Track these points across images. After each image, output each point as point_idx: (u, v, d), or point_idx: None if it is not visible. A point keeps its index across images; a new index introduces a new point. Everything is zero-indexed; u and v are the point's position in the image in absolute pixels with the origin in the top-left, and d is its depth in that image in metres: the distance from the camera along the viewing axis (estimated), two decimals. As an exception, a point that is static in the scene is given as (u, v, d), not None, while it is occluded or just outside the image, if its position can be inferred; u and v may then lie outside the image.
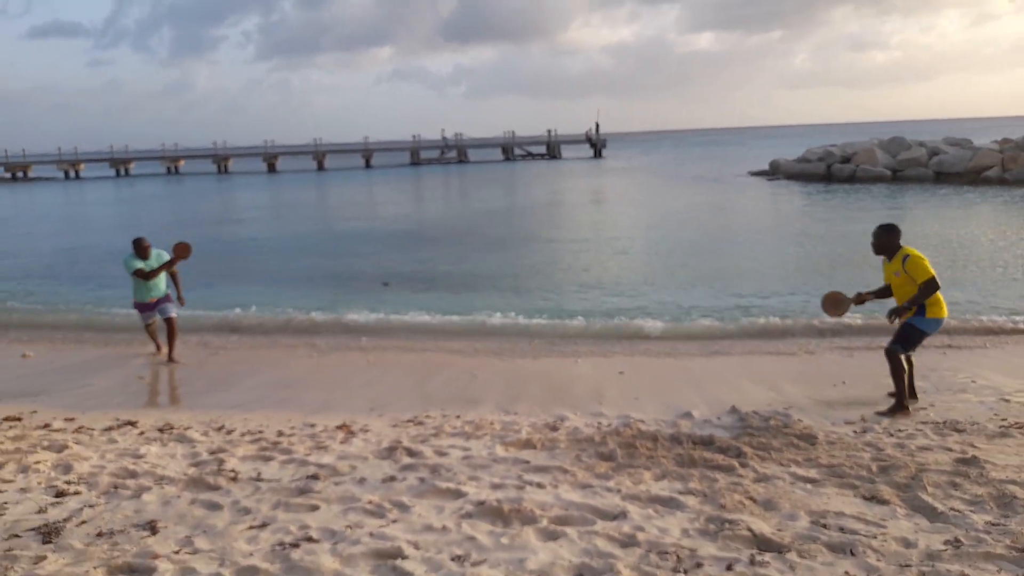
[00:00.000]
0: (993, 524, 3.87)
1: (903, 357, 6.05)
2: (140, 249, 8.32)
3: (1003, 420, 5.72)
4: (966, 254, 14.43)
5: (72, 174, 69.26)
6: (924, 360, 7.38)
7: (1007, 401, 6.29)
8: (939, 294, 5.99)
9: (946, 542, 3.67)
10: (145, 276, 8.26)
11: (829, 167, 34.80)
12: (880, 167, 32.72)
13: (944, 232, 17.46)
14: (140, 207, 36.15)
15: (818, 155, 36.42)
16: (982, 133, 48.26)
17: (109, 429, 5.86)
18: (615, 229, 20.70)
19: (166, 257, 8.43)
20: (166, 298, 8.54)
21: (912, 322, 6.00)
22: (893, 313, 6.04)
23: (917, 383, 6.40)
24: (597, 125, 72.40)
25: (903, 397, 6.02)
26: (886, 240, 6.07)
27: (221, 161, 71.00)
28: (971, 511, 4.05)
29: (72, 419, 6.15)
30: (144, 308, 8.53)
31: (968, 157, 31.05)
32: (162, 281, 8.47)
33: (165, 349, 8.50)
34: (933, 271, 5.89)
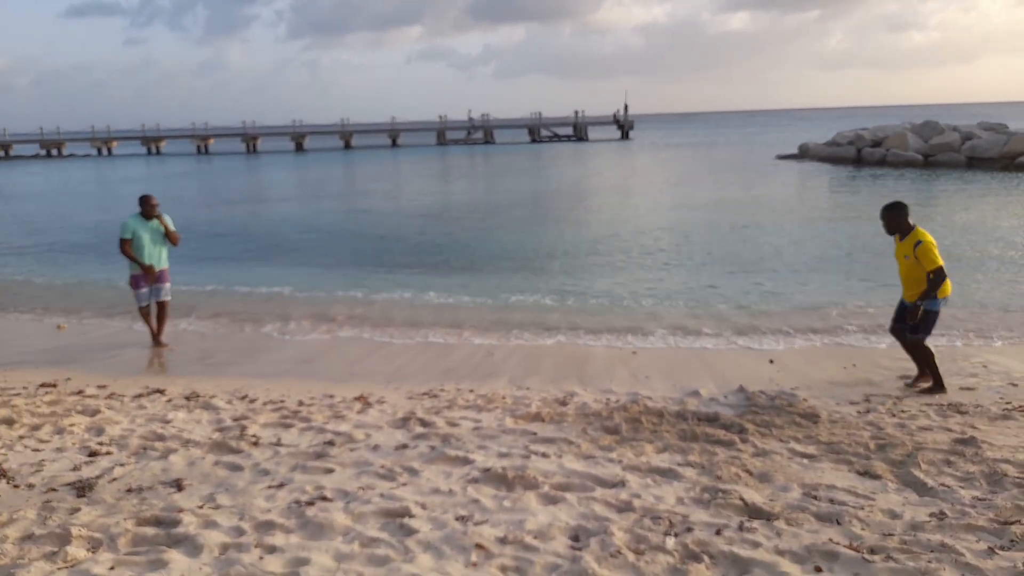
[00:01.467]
0: (980, 499, 4.00)
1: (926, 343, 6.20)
2: (148, 207, 7.89)
3: (1007, 403, 5.80)
4: (983, 241, 14.28)
5: (105, 151, 71.11)
6: (941, 346, 7.46)
7: (1015, 386, 6.36)
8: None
9: (931, 514, 3.81)
10: (125, 252, 7.82)
11: (859, 151, 34.29)
12: (911, 151, 32.16)
13: (967, 218, 17.26)
14: (170, 184, 36.80)
15: (848, 139, 35.89)
16: (1020, 118, 47.08)
17: (139, 396, 6.18)
18: (639, 212, 20.72)
19: (169, 220, 8.02)
20: (165, 274, 8.11)
21: (926, 307, 6.04)
22: (910, 317, 6.11)
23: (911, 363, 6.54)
24: (626, 106, 71.92)
25: (938, 376, 6.18)
26: (895, 219, 6.13)
27: (250, 140, 71.86)
28: (961, 487, 4.17)
29: (104, 386, 6.49)
30: (139, 283, 7.99)
31: (1003, 142, 30.36)
32: (163, 250, 8.05)
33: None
34: (941, 260, 5.95)
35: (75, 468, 4.52)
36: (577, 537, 3.61)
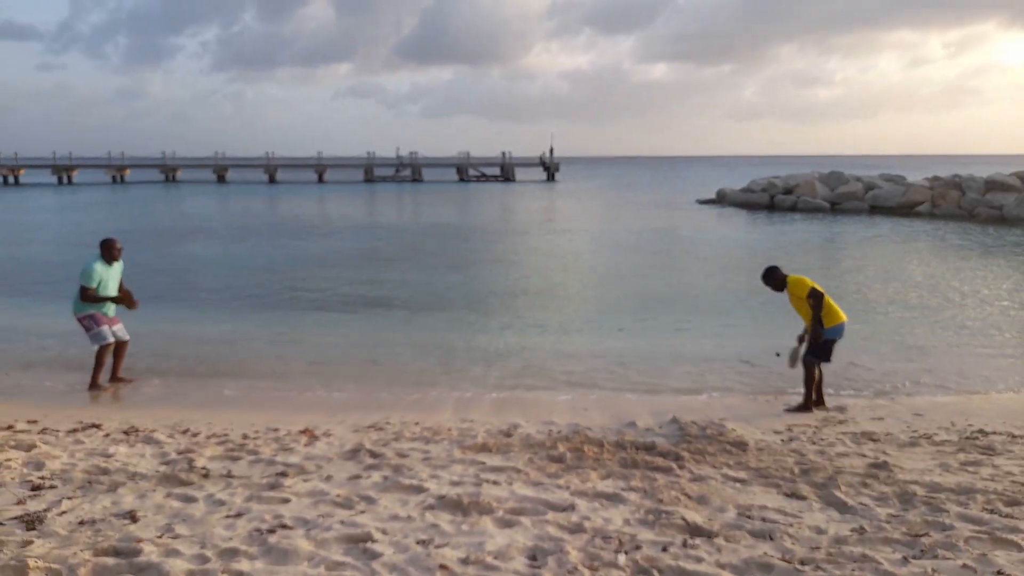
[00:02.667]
0: (894, 515, 4.42)
1: (817, 366, 7.03)
2: (109, 252, 7.57)
3: (914, 431, 6.36)
4: (892, 282, 15.42)
5: (11, 180, 67.35)
6: (851, 380, 8.09)
7: (920, 415, 6.97)
8: (833, 304, 6.96)
9: (852, 530, 4.19)
10: (88, 299, 7.48)
11: (772, 197, 36.37)
12: (819, 199, 34.37)
13: (873, 259, 18.61)
14: (82, 215, 35.34)
15: (762, 186, 38.02)
16: (916, 170, 50.91)
17: (74, 431, 6.02)
18: (564, 253, 21.28)
19: (121, 270, 7.79)
20: (116, 317, 7.86)
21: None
22: (813, 338, 6.99)
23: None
24: (551, 149, 73.66)
25: (809, 398, 7.04)
26: (772, 280, 7.07)
27: (169, 171, 69.92)
28: (877, 505, 4.59)
29: (35, 421, 6.28)
30: (99, 322, 7.64)
31: (901, 192, 32.89)
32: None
33: (105, 378, 7.82)
34: (812, 283, 6.87)
35: (19, 502, 4.40)
36: (535, 556, 3.80)
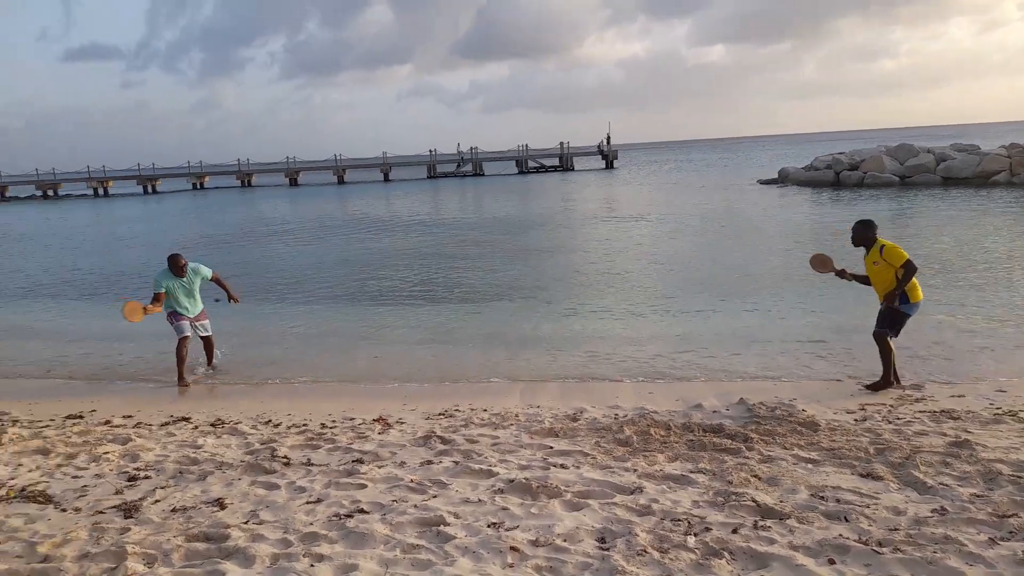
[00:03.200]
0: (978, 496, 4.27)
1: (890, 341, 6.73)
2: (176, 267, 8.23)
3: (997, 408, 6.11)
4: (969, 255, 14.75)
5: (101, 191, 71.68)
6: (931, 356, 7.82)
7: (1003, 392, 6.68)
8: (916, 280, 6.66)
9: (933, 511, 4.08)
10: (159, 300, 8.17)
11: (838, 174, 35.14)
12: (888, 173, 33.03)
13: (949, 232, 17.82)
14: (166, 223, 36.99)
15: (826, 163, 36.77)
16: (992, 138, 48.34)
17: (165, 424, 6.38)
18: (625, 239, 21.11)
19: (204, 272, 8.44)
20: (202, 314, 8.56)
21: (899, 307, 6.71)
22: (885, 299, 6.74)
23: (902, 370, 6.99)
24: (608, 137, 73.01)
25: (889, 374, 6.74)
26: (864, 233, 6.77)
27: (244, 177, 72.89)
28: (959, 485, 4.45)
29: (130, 416, 6.69)
30: (179, 317, 8.34)
31: (976, 162, 31.30)
32: (196, 300, 8.46)
33: (189, 378, 8.33)
34: (907, 254, 6.57)
35: (118, 492, 4.72)
36: (603, 539, 3.85)
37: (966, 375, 7.33)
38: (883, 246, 6.67)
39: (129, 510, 4.38)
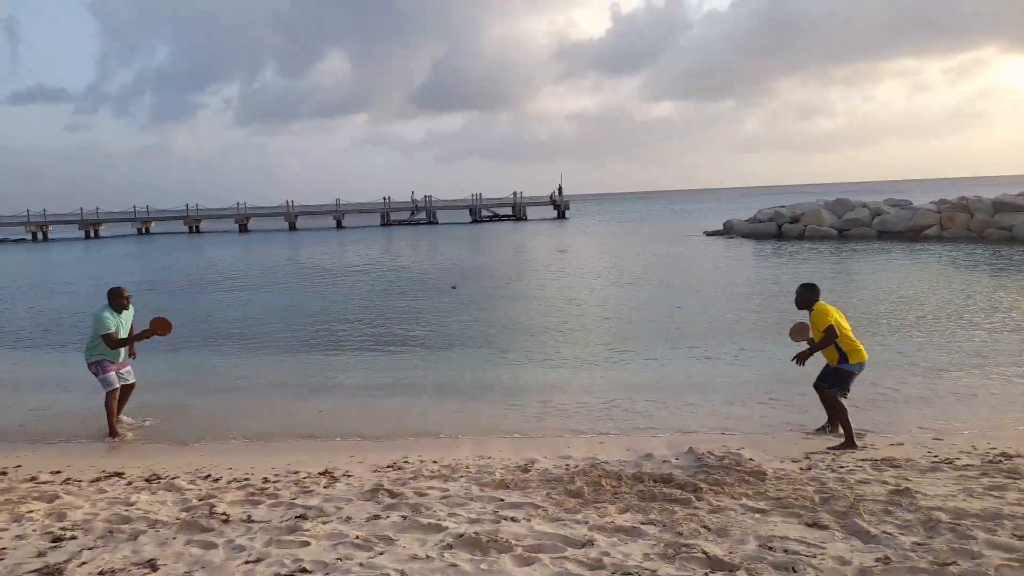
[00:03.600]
0: (919, 544, 4.35)
1: (842, 400, 6.82)
2: (118, 301, 7.73)
3: (935, 456, 6.29)
4: (903, 306, 15.33)
5: (40, 236, 69.18)
6: (870, 405, 8.02)
7: (940, 440, 6.90)
8: (856, 341, 6.89)
9: (877, 559, 4.13)
10: (113, 344, 7.70)
11: (779, 227, 36.42)
12: (827, 226, 34.38)
13: (884, 284, 18.55)
14: (106, 267, 35.87)
15: (768, 215, 38.09)
16: (921, 194, 50.86)
17: (97, 480, 6.07)
18: (579, 288, 21.32)
19: (132, 317, 7.96)
20: (125, 361, 8.06)
21: (840, 367, 6.91)
22: (796, 358, 7.01)
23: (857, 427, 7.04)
24: (560, 187, 74.29)
25: (852, 434, 6.76)
26: (807, 296, 7.00)
27: (192, 223, 71.43)
28: (901, 534, 4.52)
29: (58, 472, 6.34)
30: (107, 368, 7.81)
31: (908, 217, 32.87)
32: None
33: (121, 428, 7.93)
34: (832, 321, 6.75)
35: (40, 554, 4.44)
36: (555, 595, 3.78)
37: (905, 424, 7.54)
38: (812, 310, 6.92)
39: (52, 574, 4.11)
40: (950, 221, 31.27)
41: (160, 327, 7.81)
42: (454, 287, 11.69)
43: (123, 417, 8.23)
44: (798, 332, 7.36)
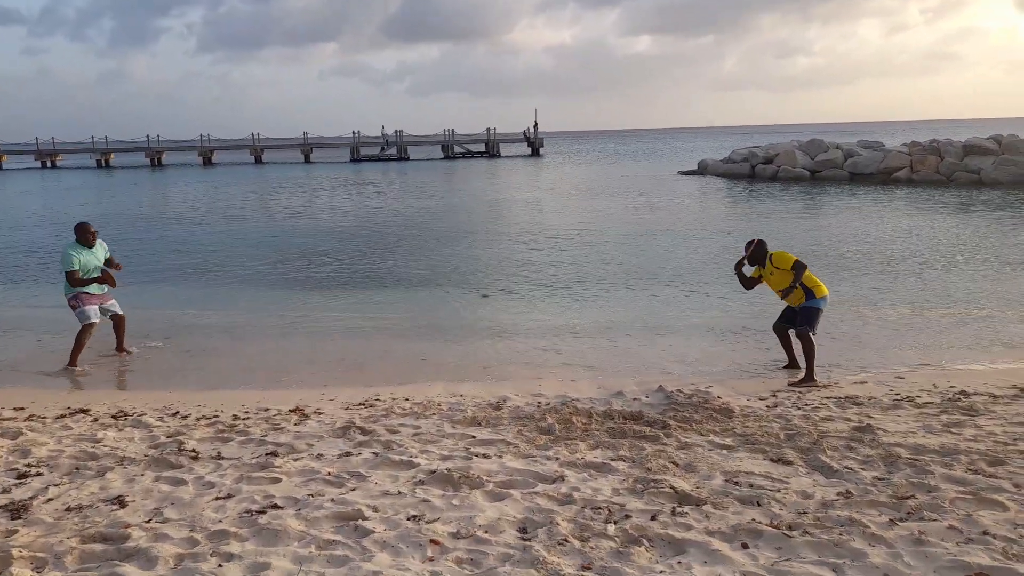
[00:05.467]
0: (879, 479, 4.47)
1: (811, 336, 6.98)
2: (84, 236, 7.70)
3: (896, 394, 6.44)
4: (869, 248, 15.55)
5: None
6: (835, 344, 8.17)
7: (901, 378, 7.06)
8: (815, 277, 7.16)
9: (839, 494, 4.24)
10: (75, 283, 7.65)
11: (753, 167, 36.44)
12: (799, 168, 34.47)
13: (852, 226, 18.76)
14: (65, 200, 34.81)
15: (743, 156, 38.05)
16: (894, 136, 51.10)
17: (62, 416, 5.97)
18: (547, 227, 21.23)
19: (106, 251, 7.97)
20: (107, 296, 8.00)
21: (809, 304, 7.09)
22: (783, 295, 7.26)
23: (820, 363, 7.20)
24: (535, 124, 73.21)
25: (812, 369, 6.95)
26: (759, 251, 7.31)
27: (154, 155, 69.13)
28: (862, 469, 4.65)
29: (22, 408, 6.22)
30: (85, 300, 7.74)
31: (880, 159, 33.04)
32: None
33: (81, 360, 7.80)
34: (795, 257, 7.06)
35: (5, 491, 4.37)
36: (525, 529, 3.83)
37: (867, 362, 7.70)
38: (771, 255, 7.18)
39: (17, 510, 4.06)
40: (920, 164, 31.50)
41: (109, 280, 7.87)
42: (485, 296, 11.64)
43: (129, 348, 8.31)
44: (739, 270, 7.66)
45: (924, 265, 13.61)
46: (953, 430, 5.33)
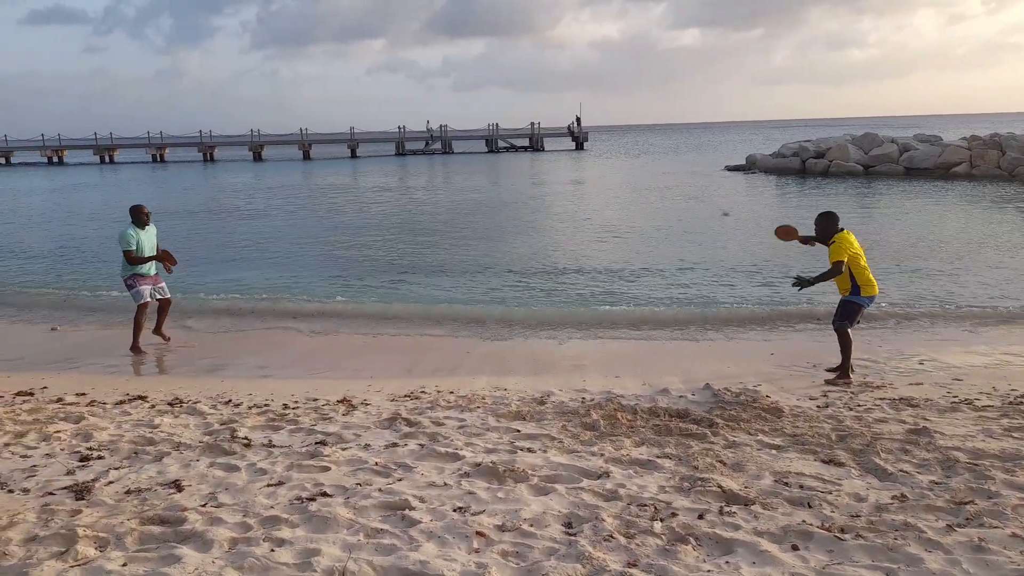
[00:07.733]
0: (936, 483, 4.34)
1: (849, 332, 6.85)
2: (139, 217, 8.05)
3: (954, 397, 6.23)
4: (928, 245, 15.06)
5: (56, 160, 69.48)
6: (889, 343, 7.94)
7: (959, 381, 6.82)
8: (871, 275, 6.83)
9: (893, 497, 4.13)
10: (132, 261, 8.00)
11: (804, 162, 35.58)
12: (852, 162, 33.55)
13: (909, 222, 18.20)
14: (123, 193, 35.98)
15: (793, 150, 37.18)
16: (953, 130, 49.40)
17: (121, 403, 6.18)
18: (594, 220, 21.12)
19: (155, 232, 8.22)
20: (158, 278, 8.32)
21: (850, 299, 6.87)
22: (797, 283, 6.92)
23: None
24: (579, 119, 72.85)
25: (848, 364, 6.84)
26: (823, 226, 6.87)
27: (207, 150, 71.21)
28: (918, 472, 4.52)
29: (83, 394, 6.47)
30: (140, 280, 8.08)
31: (937, 153, 31.95)
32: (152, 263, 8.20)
33: (144, 337, 8.18)
34: (845, 256, 6.63)
35: (69, 472, 4.55)
36: (570, 524, 3.83)
37: (924, 364, 7.47)
38: (833, 241, 6.76)
39: (81, 492, 4.22)
40: (980, 158, 30.36)
41: (168, 258, 8.07)
42: (726, 214, 11.49)
43: (166, 334, 8.56)
44: (785, 232, 7.31)
45: (987, 266, 13.13)
46: (1015, 435, 5.14)
